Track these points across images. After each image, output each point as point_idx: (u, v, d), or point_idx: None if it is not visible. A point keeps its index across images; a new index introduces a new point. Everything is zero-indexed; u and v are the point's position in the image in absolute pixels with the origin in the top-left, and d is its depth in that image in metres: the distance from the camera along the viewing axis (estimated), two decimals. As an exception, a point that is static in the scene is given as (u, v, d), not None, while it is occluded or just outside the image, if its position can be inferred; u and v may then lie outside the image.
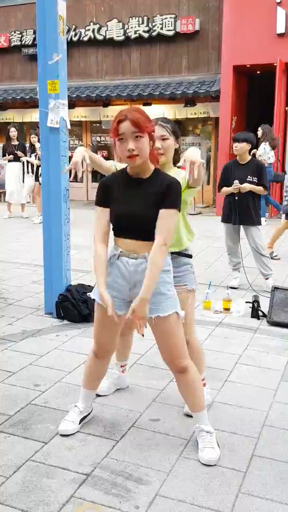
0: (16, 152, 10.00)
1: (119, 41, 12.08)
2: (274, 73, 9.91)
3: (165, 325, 2.35)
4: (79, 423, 2.66)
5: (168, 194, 2.25)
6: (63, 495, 2.16)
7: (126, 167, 2.39)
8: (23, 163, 10.03)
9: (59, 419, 2.74)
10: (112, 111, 12.27)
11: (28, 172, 9.99)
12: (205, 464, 2.37)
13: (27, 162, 9.97)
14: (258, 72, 11.43)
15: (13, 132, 10.03)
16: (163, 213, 2.24)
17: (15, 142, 10.08)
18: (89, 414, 2.74)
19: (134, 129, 2.18)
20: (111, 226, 2.41)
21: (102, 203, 2.38)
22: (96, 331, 2.54)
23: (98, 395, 2.98)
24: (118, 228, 2.37)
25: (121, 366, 3.12)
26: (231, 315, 4.52)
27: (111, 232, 2.43)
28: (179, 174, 2.54)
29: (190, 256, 2.73)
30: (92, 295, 2.49)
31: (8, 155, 10.06)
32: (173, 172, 2.56)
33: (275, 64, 9.85)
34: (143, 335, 2.31)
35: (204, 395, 2.60)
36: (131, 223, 2.31)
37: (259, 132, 9.41)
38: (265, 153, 9.28)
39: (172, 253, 2.59)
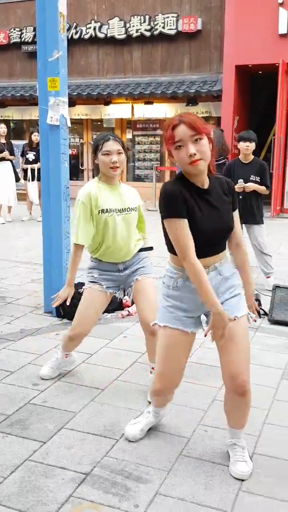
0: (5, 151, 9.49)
1: (120, 39, 12.08)
2: (277, 74, 9.89)
3: (235, 329, 2.16)
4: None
5: (232, 194, 2.20)
6: (61, 494, 2.15)
7: (181, 176, 2.13)
8: (25, 169, 9.55)
9: (58, 419, 2.73)
10: (113, 110, 12.28)
11: (29, 180, 9.49)
12: (237, 479, 2.26)
13: (30, 169, 9.57)
14: (260, 72, 11.42)
15: (2, 128, 9.51)
16: (235, 214, 2.22)
17: (3, 141, 9.51)
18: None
19: (192, 132, 2.00)
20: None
21: (182, 213, 2.05)
22: (165, 365, 2.31)
23: (42, 378, 3.17)
24: (198, 246, 2.09)
25: (66, 354, 3.23)
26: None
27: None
28: (130, 190, 2.95)
29: (150, 248, 3.08)
30: (159, 321, 2.30)
31: None
32: (124, 187, 2.95)
33: (277, 65, 9.84)
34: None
35: None
36: (218, 238, 2.16)
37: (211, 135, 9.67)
38: None
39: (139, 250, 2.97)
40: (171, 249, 2.19)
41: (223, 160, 7.77)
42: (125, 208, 2.87)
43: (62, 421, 2.71)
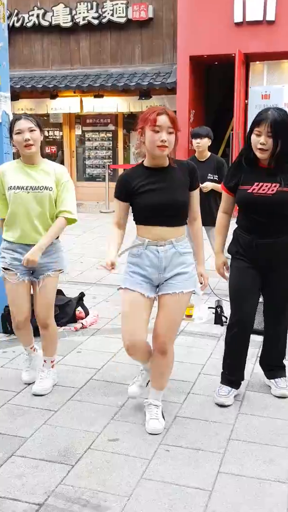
0: None
1: (66, 27, 12.02)
2: (233, 64, 10.10)
3: (171, 300, 2.75)
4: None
5: (193, 176, 2.81)
6: (13, 528, 2.12)
7: (142, 162, 2.79)
8: None
9: (8, 445, 2.69)
10: (60, 103, 12.19)
11: None
12: (150, 433, 2.79)
13: None
14: (216, 63, 11.64)
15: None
16: (193, 193, 2.84)
17: None
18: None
19: (170, 124, 2.63)
20: (130, 217, 2.81)
21: (121, 197, 2.78)
22: (126, 322, 2.79)
23: (26, 384, 3.35)
24: (149, 218, 2.73)
25: (31, 348, 3.44)
26: (193, 322, 4.57)
27: (132, 223, 2.84)
28: (50, 165, 3.13)
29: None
30: (121, 283, 2.79)
31: None
32: (44, 163, 3.12)
33: (233, 55, 10.06)
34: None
35: (52, 376, 3.30)
36: (166, 211, 2.71)
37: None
38: None
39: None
40: (135, 222, 2.80)
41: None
42: (37, 187, 3.06)
43: (12, 448, 2.67)
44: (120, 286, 2.81)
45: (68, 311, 4.53)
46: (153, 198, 2.70)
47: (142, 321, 2.76)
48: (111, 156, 12.63)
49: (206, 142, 5.14)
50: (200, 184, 5.04)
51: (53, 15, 12.05)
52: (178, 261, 2.75)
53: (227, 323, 3.23)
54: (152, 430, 2.81)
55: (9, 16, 11.96)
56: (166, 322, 2.76)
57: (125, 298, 2.78)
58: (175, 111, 10.89)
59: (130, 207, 2.80)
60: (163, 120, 2.62)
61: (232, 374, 3.18)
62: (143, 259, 2.74)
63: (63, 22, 12.01)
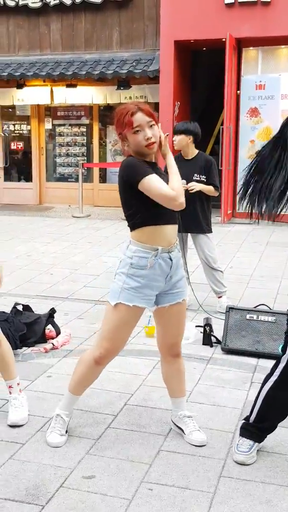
0: None
1: (35, 8, 12.06)
2: (223, 50, 10.22)
3: (183, 307, 3.06)
4: (66, 433, 3.08)
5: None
6: None
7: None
8: None
9: None
10: (28, 94, 12.20)
11: None
12: (198, 446, 3.02)
13: None
14: (204, 48, 11.77)
15: None
16: None
17: None
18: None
19: (148, 119, 2.80)
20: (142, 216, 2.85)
21: (151, 171, 2.80)
22: (115, 334, 2.92)
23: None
24: (162, 211, 2.81)
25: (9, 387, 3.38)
26: (179, 343, 4.59)
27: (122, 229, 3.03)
28: None
29: None
30: (123, 300, 2.85)
31: None
32: None
33: (223, 40, 10.17)
34: None
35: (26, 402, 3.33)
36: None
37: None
38: None
39: None
40: (139, 224, 2.85)
41: None
42: None
43: (-28, 488, 2.66)
44: (120, 301, 2.85)
45: (36, 329, 4.52)
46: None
47: (126, 338, 3.03)
48: (85, 154, 12.63)
49: (182, 138, 5.13)
50: (186, 184, 5.11)
51: (19, -6, 12.09)
52: (180, 264, 3.01)
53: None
54: (201, 441, 3.05)
55: None
56: (179, 329, 3.11)
57: (128, 312, 2.88)
58: (157, 103, 11.10)
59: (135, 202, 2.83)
60: (140, 118, 2.79)
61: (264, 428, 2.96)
62: (155, 269, 2.86)
63: (32, 2, 12.04)
